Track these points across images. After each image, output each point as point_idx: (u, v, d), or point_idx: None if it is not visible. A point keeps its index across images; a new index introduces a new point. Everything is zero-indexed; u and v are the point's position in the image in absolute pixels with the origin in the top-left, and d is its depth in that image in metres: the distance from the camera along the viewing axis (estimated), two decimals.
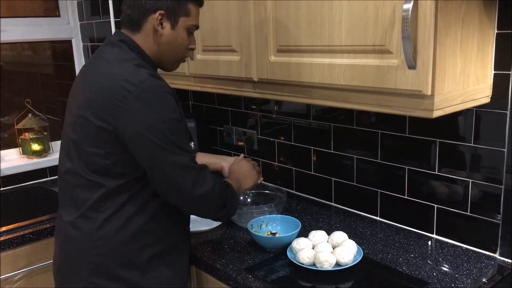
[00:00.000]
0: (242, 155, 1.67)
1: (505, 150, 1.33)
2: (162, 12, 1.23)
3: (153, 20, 1.23)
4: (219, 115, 2.34)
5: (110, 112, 1.15)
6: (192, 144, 2.32)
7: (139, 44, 1.25)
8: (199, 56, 1.74)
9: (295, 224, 1.56)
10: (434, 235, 1.56)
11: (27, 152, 2.34)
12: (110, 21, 2.22)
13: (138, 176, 1.22)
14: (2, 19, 2.23)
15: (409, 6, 1.03)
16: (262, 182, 1.68)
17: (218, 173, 1.60)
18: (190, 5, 1.27)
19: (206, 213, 1.33)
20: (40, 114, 2.40)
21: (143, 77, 1.16)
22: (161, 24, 1.24)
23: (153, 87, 1.16)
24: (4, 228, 1.77)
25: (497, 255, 1.40)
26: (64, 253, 1.30)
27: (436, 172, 1.51)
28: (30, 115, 2.34)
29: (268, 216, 1.64)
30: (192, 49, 1.34)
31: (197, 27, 1.32)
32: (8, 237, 1.73)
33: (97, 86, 1.19)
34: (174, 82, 1.87)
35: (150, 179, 1.21)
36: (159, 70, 1.33)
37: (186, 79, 1.85)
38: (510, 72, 1.27)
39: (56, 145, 2.44)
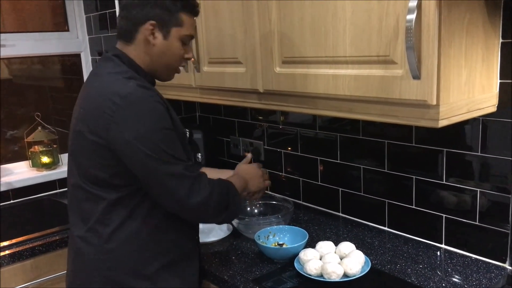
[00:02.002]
0: (249, 154, 1.66)
1: None
2: (153, 22, 1.23)
3: (145, 30, 1.24)
4: (226, 126, 2.35)
5: (101, 126, 1.16)
6: (198, 155, 2.34)
7: (132, 56, 1.26)
8: (205, 68, 1.75)
9: (302, 234, 1.55)
10: (443, 245, 1.55)
11: (37, 165, 2.37)
12: None
13: (137, 187, 1.22)
14: (12, 34, 2.28)
15: (412, 16, 1.04)
16: (268, 192, 1.67)
17: None
18: (183, 15, 1.26)
19: (206, 220, 1.33)
20: (50, 127, 2.42)
21: (131, 88, 1.17)
22: (153, 34, 1.24)
23: (141, 98, 1.16)
24: (14, 241, 1.79)
25: (507, 265, 1.38)
26: (76, 267, 1.31)
27: (444, 182, 1.50)
28: (39, 128, 2.37)
29: (275, 227, 1.64)
30: (188, 59, 1.34)
31: (192, 37, 1.32)
32: (17, 249, 1.74)
33: (89, 101, 1.22)
34: (181, 94, 1.89)
35: (146, 189, 1.22)
36: (164, 83, 1.34)
37: (193, 91, 1.87)
38: None
39: (65, 157, 2.46)
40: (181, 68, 1.37)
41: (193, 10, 1.30)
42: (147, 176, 1.19)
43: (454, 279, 1.35)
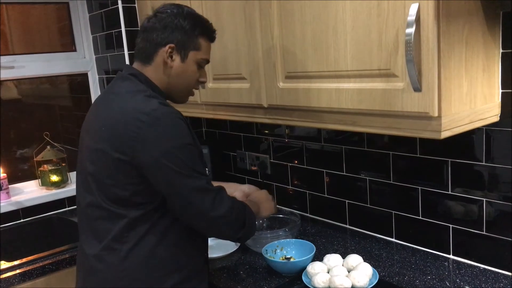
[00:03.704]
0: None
1: None
2: (172, 45, 1.27)
3: (164, 52, 1.28)
4: (232, 141, 2.37)
5: (126, 143, 1.18)
6: (206, 170, 2.35)
7: (149, 77, 1.30)
8: (210, 84, 1.78)
9: (310, 248, 1.56)
10: (451, 256, 1.54)
11: (46, 184, 2.39)
12: (124, 53, 2.29)
13: (157, 205, 1.24)
14: (20, 55, 2.32)
15: (411, 30, 1.05)
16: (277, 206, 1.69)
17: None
18: (201, 39, 1.31)
19: (226, 234, 1.33)
20: (58, 145, 2.46)
21: (154, 106, 1.20)
22: (171, 57, 1.28)
23: (165, 115, 1.19)
24: (24, 260, 1.80)
25: None
26: (88, 284, 1.31)
27: (450, 192, 1.50)
28: (48, 147, 2.40)
29: (283, 240, 1.65)
30: (203, 82, 1.38)
31: (207, 61, 1.36)
32: (28, 268, 1.76)
33: (111, 119, 1.23)
34: (187, 110, 1.92)
35: (169, 204, 1.23)
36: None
37: (199, 107, 1.89)
38: None
39: (74, 175, 2.49)
40: (195, 90, 1.40)
41: (211, 36, 1.35)
42: (171, 191, 1.21)
43: None
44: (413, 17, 1.05)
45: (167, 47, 1.27)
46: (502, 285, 1.34)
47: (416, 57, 1.07)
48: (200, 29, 1.31)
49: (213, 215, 1.23)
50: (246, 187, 1.64)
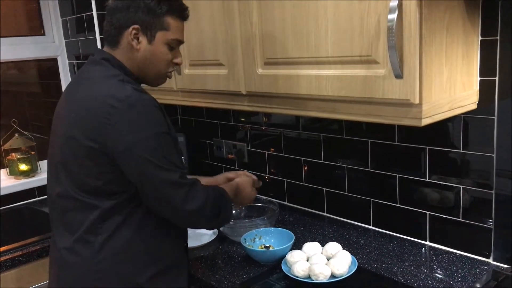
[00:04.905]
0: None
1: (494, 155, 1.34)
2: (136, 26, 1.21)
3: (128, 35, 1.22)
4: (209, 129, 2.33)
5: (98, 130, 1.13)
6: (182, 159, 2.31)
7: (120, 60, 1.24)
8: (186, 71, 1.73)
9: (289, 236, 1.55)
10: (427, 242, 1.56)
11: (15, 173, 2.31)
12: (95, 38, 2.21)
13: (131, 195, 1.20)
14: None
15: (393, 16, 1.04)
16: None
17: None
18: (169, 18, 1.24)
19: (199, 226, 1.32)
20: (27, 133, 2.37)
21: (128, 92, 1.14)
22: (137, 39, 1.22)
23: (139, 102, 1.14)
24: None
25: (491, 260, 1.40)
26: (61, 280, 1.26)
27: (427, 179, 1.52)
28: (16, 135, 2.31)
29: (261, 229, 1.63)
30: (177, 64, 1.31)
31: (179, 41, 1.28)
32: None
33: (82, 105, 1.18)
34: (162, 97, 1.87)
35: (141, 194, 1.19)
36: (147, 86, 1.32)
37: (174, 94, 1.84)
38: (495, 78, 1.29)
39: (44, 164, 2.41)
40: (170, 75, 1.33)
41: (181, 14, 1.27)
42: (143, 182, 1.16)
43: (440, 276, 1.36)
44: (395, 3, 1.04)
45: (130, 28, 1.21)
46: (478, 271, 1.37)
47: (398, 44, 1.06)
48: (167, 7, 1.23)
49: (186, 210, 1.19)
50: (233, 173, 1.58)
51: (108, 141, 1.13)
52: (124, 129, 1.12)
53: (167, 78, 1.34)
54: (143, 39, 1.23)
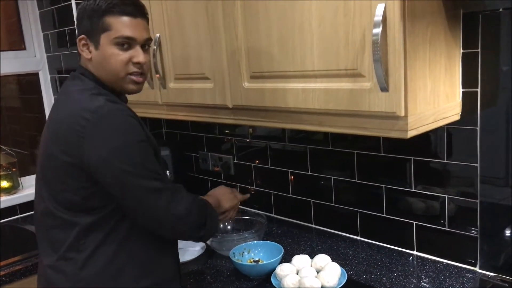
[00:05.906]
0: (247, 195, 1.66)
1: (477, 165, 1.36)
2: (82, 36, 1.21)
3: (79, 46, 1.23)
4: (194, 142, 2.32)
5: (73, 145, 1.11)
6: (167, 172, 2.29)
7: (92, 72, 1.23)
8: (171, 84, 1.72)
9: (278, 249, 1.54)
10: (415, 252, 1.57)
11: None
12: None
13: (112, 209, 1.18)
14: None
15: (378, 30, 1.06)
16: (241, 206, 1.64)
17: None
18: (108, 18, 1.18)
19: (187, 234, 1.27)
20: (7, 149, 2.32)
21: (100, 103, 1.13)
22: (88, 48, 1.22)
23: (112, 112, 1.13)
24: None
25: (477, 269, 1.42)
26: None
27: (413, 189, 1.53)
28: None
29: (250, 243, 1.62)
30: (137, 63, 1.21)
31: (127, 38, 1.19)
32: None
33: (58, 121, 1.18)
34: (147, 111, 1.85)
35: (123, 207, 1.17)
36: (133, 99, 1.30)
37: (159, 108, 1.83)
38: (477, 90, 1.31)
39: (26, 180, 2.37)
40: (138, 78, 1.23)
41: (120, 10, 1.18)
42: (124, 194, 1.14)
43: (427, 286, 1.37)
44: (380, 17, 1.05)
45: (78, 40, 1.22)
46: (465, 279, 1.38)
47: (382, 57, 1.08)
48: (103, 8, 1.18)
49: (171, 215, 1.17)
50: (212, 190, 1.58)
51: (84, 155, 1.11)
52: (98, 140, 1.11)
53: (136, 82, 1.23)
54: (91, 47, 1.22)
